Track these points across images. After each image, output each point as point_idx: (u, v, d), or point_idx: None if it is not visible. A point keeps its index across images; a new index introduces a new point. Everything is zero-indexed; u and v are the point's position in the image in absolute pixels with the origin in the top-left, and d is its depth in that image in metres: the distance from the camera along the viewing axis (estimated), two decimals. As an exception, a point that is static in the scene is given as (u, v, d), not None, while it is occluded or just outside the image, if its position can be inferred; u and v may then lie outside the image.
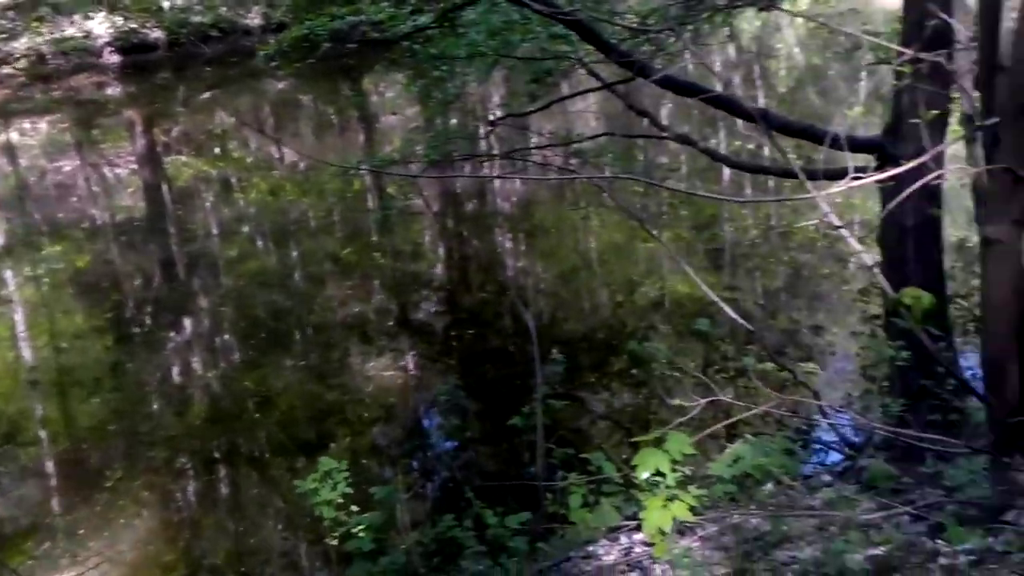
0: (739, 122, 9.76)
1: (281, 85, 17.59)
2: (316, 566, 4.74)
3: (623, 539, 3.53)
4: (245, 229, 10.34)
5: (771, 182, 9.20)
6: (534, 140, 8.89)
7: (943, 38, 4.19)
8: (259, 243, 9.95)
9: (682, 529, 3.31)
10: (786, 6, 7.15)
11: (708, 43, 8.31)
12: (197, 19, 21.03)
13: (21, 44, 19.58)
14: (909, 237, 5.22)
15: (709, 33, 7.26)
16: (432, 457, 5.77)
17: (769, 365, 4.53)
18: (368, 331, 7.45)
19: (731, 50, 15.97)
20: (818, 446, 4.94)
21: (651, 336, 6.69)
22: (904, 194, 3.27)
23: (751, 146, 10.64)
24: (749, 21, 16.26)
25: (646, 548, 3.34)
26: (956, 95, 4.43)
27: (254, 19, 21.40)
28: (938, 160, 3.52)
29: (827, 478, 4.12)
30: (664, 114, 11.51)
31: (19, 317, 8.21)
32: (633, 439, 3.67)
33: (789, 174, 4.99)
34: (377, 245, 9.56)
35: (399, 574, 3.60)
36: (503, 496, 4.21)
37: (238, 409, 6.37)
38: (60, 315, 8.27)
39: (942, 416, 4.00)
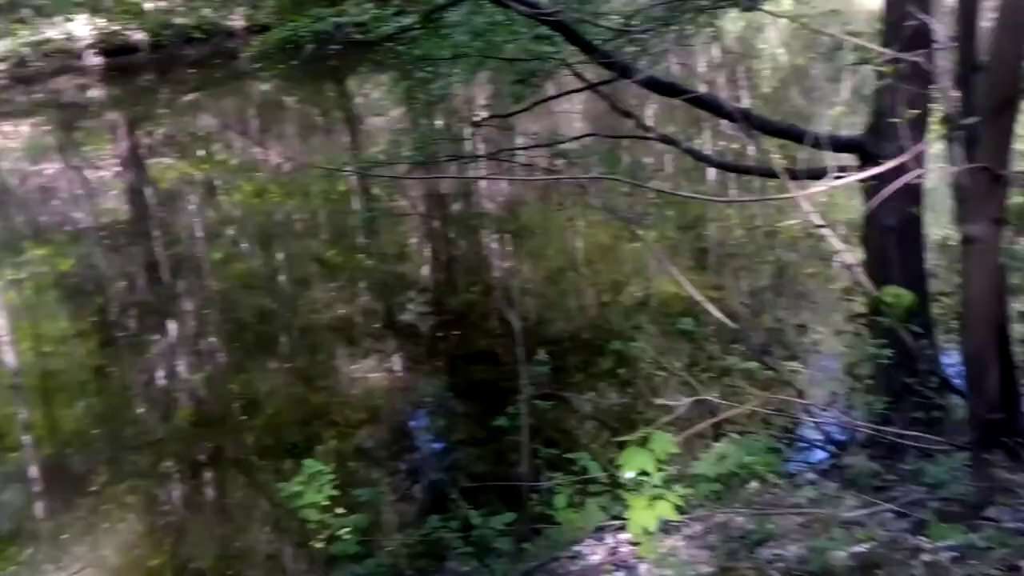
0: (724, 122, 9.79)
1: (265, 87, 17.53)
2: (301, 569, 4.73)
3: (609, 539, 3.53)
4: (230, 232, 10.30)
5: (757, 182, 9.24)
6: (519, 141, 8.90)
7: (923, 38, 4.21)
8: (244, 245, 9.91)
9: (667, 528, 3.32)
10: (769, 7, 7.17)
11: (692, 44, 8.32)
12: (180, 21, 20.92)
13: (1, 47, 19.43)
14: (891, 236, 5.25)
15: (693, 34, 7.26)
16: (418, 458, 5.76)
17: (754, 364, 4.55)
18: (354, 333, 7.43)
19: (715, 50, 16.01)
20: (803, 444, 4.95)
21: (637, 336, 6.70)
22: (884, 193, 3.29)
23: (736, 146, 10.67)
24: (733, 22, 16.31)
25: (632, 547, 3.35)
26: (937, 94, 4.46)
27: (237, 21, 21.31)
28: (919, 159, 3.54)
29: (812, 476, 4.14)
30: (649, 114, 11.53)
31: (1, 321, 8.15)
32: (618, 439, 3.67)
33: (773, 174, 5.02)
34: (362, 247, 9.54)
35: (385, 576, 3.60)
36: (489, 497, 4.21)
37: (223, 412, 6.35)
38: (43, 319, 8.21)
39: (925, 413, 4.02)
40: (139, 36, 20.49)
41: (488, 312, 7.56)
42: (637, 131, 6.63)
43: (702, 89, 6.39)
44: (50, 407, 6.75)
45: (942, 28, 3.85)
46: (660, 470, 3.09)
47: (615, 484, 3.51)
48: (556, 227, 9.35)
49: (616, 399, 5.98)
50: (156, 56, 20.38)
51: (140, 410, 6.48)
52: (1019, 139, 3.17)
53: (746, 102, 12.84)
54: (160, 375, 7.00)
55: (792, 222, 7.52)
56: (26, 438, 6.27)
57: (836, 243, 4.14)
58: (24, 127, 16.60)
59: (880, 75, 4.31)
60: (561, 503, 3.57)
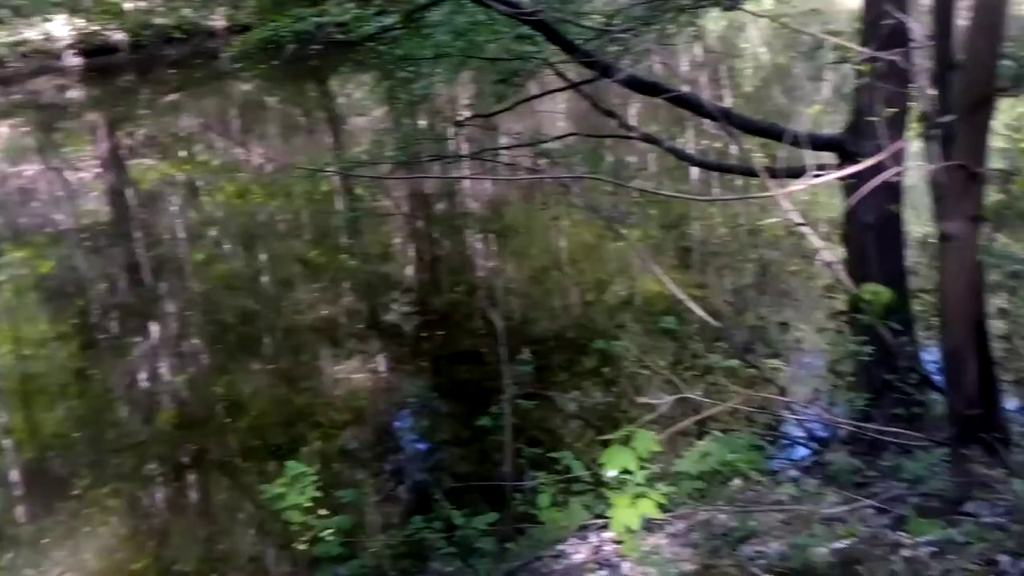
0: (706, 122, 9.83)
1: (246, 87, 17.44)
2: (285, 571, 4.71)
3: (592, 537, 3.54)
4: (212, 233, 10.25)
5: (739, 180, 9.28)
6: (502, 141, 8.90)
7: (900, 36, 4.25)
8: (226, 246, 9.86)
9: (650, 526, 3.33)
10: (750, 6, 7.20)
11: (674, 43, 8.34)
12: (160, 21, 20.77)
13: (-21, 47, 19.27)
14: (871, 233, 5.28)
15: (675, 33, 7.29)
16: (401, 459, 5.76)
17: (737, 362, 4.58)
18: (337, 334, 7.41)
19: (697, 50, 16.07)
20: (785, 441, 4.98)
21: (620, 335, 6.72)
22: (863, 191, 3.31)
23: (718, 145, 10.71)
24: (715, 21, 16.37)
25: (615, 546, 3.35)
26: (915, 93, 4.49)
27: (218, 21, 21.18)
28: (897, 157, 3.57)
29: (794, 473, 4.17)
30: (632, 114, 11.55)
31: (-19, 324, 8.08)
32: (602, 437, 3.68)
33: (754, 173, 5.04)
34: (346, 247, 9.51)
35: (368, 577, 3.59)
36: (473, 497, 4.21)
37: (206, 414, 6.32)
38: (23, 321, 8.14)
39: (905, 410, 4.04)
40: (119, 36, 20.33)
41: (472, 312, 7.56)
42: (620, 130, 6.65)
43: (684, 88, 6.40)
44: (31, 410, 6.69)
45: (919, 27, 3.88)
46: (643, 468, 3.10)
47: (598, 483, 3.52)
48: (539, 226, 9.36)
49: (599, 398, 5.99)
50: (136, 56, 20.23)
51: (122, 412, 6.43)
52: (995, 137, 3.20)
53: (728, 101, 12.90)
54: (142, 377, 6.95)
55: (774, 220, 7.56)
56: (6, 441, 6.22)
57: (816, 241, 4.16)
58: (3, 128, 16.44)
59: (859, 74, 4.34)
60: (544, 502, 3.58)
